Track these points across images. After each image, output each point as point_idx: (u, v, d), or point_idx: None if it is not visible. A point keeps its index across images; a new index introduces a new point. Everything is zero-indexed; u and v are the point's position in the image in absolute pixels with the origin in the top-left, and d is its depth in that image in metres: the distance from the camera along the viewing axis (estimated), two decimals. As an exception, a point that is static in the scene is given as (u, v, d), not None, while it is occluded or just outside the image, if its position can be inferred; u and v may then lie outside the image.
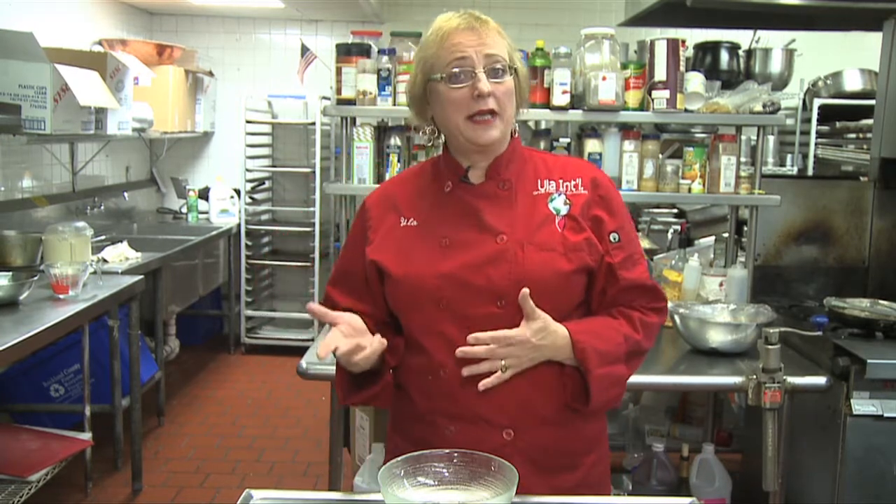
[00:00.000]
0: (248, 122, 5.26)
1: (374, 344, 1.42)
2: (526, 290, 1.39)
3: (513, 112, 1.48)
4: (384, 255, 1.50)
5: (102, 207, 4.61)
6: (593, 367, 1.44)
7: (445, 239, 1.47)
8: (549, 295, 1.42)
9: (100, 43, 4.51)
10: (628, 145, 2.89)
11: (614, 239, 1.51)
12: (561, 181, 1.52)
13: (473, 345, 1.41)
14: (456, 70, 1.42)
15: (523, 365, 1.44)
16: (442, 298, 1.44)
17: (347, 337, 1.39)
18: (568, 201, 1.50)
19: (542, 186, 1.51)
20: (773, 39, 4.44)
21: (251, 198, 5.50)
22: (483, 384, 1.41)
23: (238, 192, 5.35)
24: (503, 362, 1.42)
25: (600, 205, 1.51)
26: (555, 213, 1.49)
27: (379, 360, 1.47)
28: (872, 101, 3.26)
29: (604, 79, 2.79)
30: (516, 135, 1.55)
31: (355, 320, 1.43)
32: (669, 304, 2.69)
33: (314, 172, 5.29)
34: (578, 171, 1.54)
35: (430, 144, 1.56)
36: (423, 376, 1.48)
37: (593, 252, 1.48)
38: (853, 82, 4.68)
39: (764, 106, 2.88)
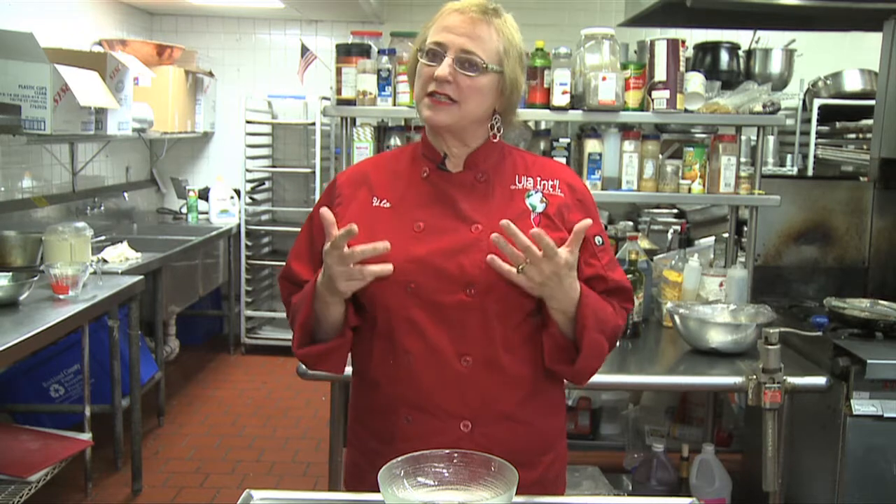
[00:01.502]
0: (248, 122, 5.26)
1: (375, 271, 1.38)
2: (539, 231, 1.33)
3: (477, 108, 1.45)
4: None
5: (102, 208, 4.62)
6: (591, 328, 1.42)
7: (419, 224, 1.46)
8: (519, 287, 1.41)
9: (100, 43, 4.51)
10: (628, 145, 2.89)
11: (599, 242, 1.53)
12: (539, 179, 1.52)
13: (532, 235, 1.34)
14: (432, 48, 1.44)
15: (534, 284, 1.37)
16: (411, 283, 1.43)
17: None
18: (545, 199, 1.50)
19: (519, 182, 1.52)
20: (773, 39, 4.44)
21: (251, 198, 5.50)
22: (491, 257, 1.37)
23: (238, 192, 5.35)
24: (524, 266, 1.36)
25: (580, 209, 1.52)
26: (531, 209, 1.49)
27: (340, 317, 1.46)
28: (872, 102, 3.26)
29: (604, 79, 2.79)
30: (498, 133, 1.53)
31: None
32: (669, 305, 2.72)
33: (314, 173, 5.29)
34: (556, 174, 1.55)
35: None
36: (385, 360, 1.47)
37: None
38: (853, 82, 4.68)
39: (764, 106, 2.88)
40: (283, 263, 5.54)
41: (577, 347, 1.45)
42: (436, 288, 1.43)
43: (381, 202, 1.51)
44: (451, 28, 1.44)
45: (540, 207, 1.49)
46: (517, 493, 1.38)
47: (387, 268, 1.38)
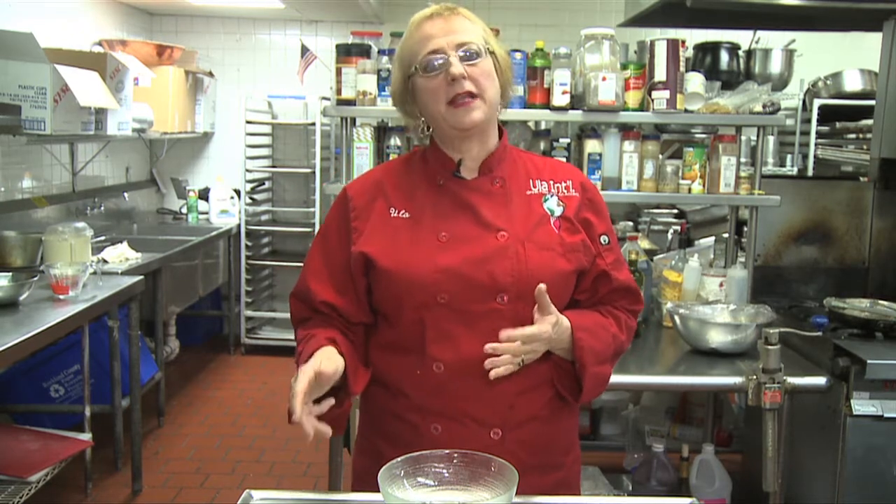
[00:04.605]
0: (248, 122, 5.26)
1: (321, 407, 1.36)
2: (543, 285, 1.39)
3: (495, 93, 1.47)
4: (374, 247, 1.46)
5: (102, 208, 4.62)
6: (589, 365, 1.46)
7: (443, 234, 1.45)
8: (549, 293, 1.42)
9: (100, 43, 4.51)
10: (628, 146, 2.89)
11: (605, 241, 1.54)
12: (552, 182, 1.53)
13: (503, 340, 1.39)
14: (429, 59, 1.43)
15: (535, 357, 1.44)
16: (441, 293, 1.42)
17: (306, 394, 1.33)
18: (561, 203, 1.51)
19: (534, 186, 1.52)
20: (773, 40, 4.44)
21: (251, 198, 5.50)
22: (495, 373, 1.39)
23: (238, 192, 5.35)
24: (522, 359, 1.42)
25: (589, 208, 1.54)
26: (549, 213, 1.50)
27: (338, 384, 1.41)
28: (872, 102, 3.26)
29: (604, 79, 2.79)
30: (501, 112, 1.53)
31: (326, 367, 1.36)
32: (669, 305, 2.72)
33: (314, 173, 5.29)
34: (567, 174, 1.56)
35: (423, 135, 1.54)
36: (412, 371, 1.47)
37: (588, 254, 1.50)
38: (853, 82, 4.68)
39: (764, 106, 2.88)
40: (284, 263, 5.50)
41: (579, 376, 1.48)
42: (467, 297, 1.43)
43: (399, 213, 1.49)
44: (435, 33, 1.44)
45: (558, 211, 1.50)
46: (540, 497, 1.40)
47: (326, 430, 1.33)
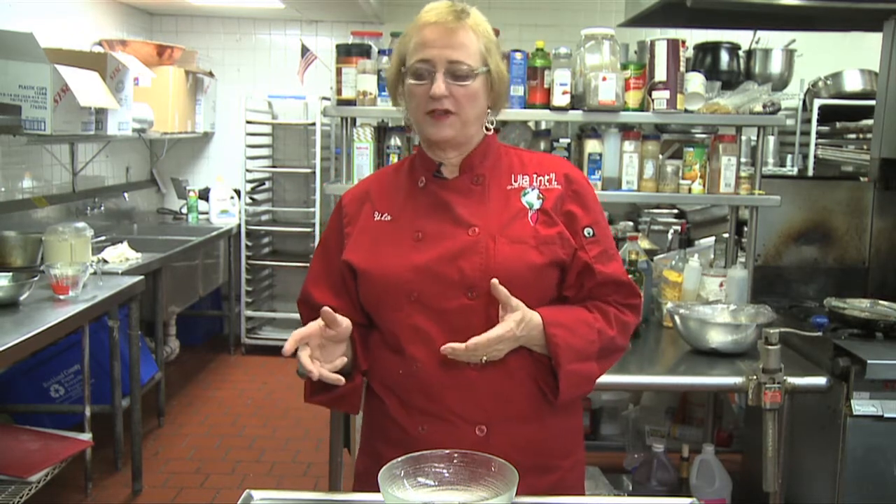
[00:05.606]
0: (248, 122, 5.26)
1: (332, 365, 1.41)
2: (495, 280, 1.38)
3: (476, 113, 1.47)
4: (357, 250, 1.50)
5: (102, 208, 4.62)
6: (565, 363, 1.43)
7: (419, 233, 1.47)
8: (521, 287, 1.41)
9: (100, 43, 4.51)
10: (628, 146, 2.89)
11: (589, 233, 1.50)
12: (535, 176, 1.52)
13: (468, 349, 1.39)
14: (419, 67, 1.44)
15: (499, 356, 1.43)
16: (413, 291, 1.44)
17: (313, 352, 1.40)
18: (541, 196, 1.50)
19: (515, 181, 1.52)
20: (773, 40, 4.44)
21: (251, 198, 5.50)
22: (449, 350, 1.40)
23: (238, 192, 5.35)
24: (485, 357, 1.41)
25: (574, 200, 1.51)
26: (528, 206, 1.49)
27: (349, 363, 1.46)
28: (872, 102, 3.26)
29: (604, 79, 2.79)
30: (490, 131, 1.54)
31: (339, 332, 1.42)
32: (669, 305, 2.72)
33: (314, 173, 5.30)
34: (552, 167, 1.54)
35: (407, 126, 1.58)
36: (395, 372, 1.48)
37: (566, 246, 1.47)
38: (853, 82, 4.68)
39: (764, 106, 2.88)
40: (284, 263, 5.54)
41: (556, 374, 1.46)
42: (437, 294, 1.43)
43: (382, 216, 1.52)
44: (432, 42, 1.43)
45: (537, 204, 1.49)
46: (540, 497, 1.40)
47: (338, 378, 1.40)
